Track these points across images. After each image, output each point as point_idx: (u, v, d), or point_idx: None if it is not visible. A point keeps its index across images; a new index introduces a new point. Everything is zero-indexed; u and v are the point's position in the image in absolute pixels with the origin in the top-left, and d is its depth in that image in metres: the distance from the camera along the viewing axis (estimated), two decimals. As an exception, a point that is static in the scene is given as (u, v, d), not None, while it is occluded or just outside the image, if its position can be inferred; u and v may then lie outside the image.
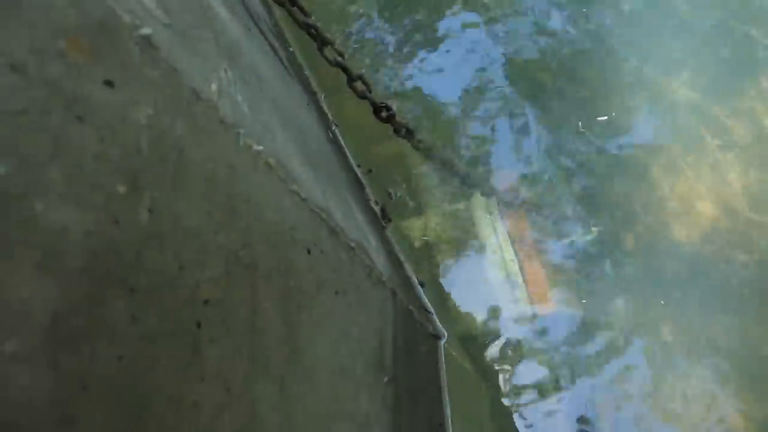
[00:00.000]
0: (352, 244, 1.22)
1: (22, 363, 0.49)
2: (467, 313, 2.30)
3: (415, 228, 2.50)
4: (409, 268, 1.90)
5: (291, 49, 2.33)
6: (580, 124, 2.59)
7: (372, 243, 1.53)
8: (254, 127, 1.01)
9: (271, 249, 0.92)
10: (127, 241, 0.63)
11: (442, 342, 1.75)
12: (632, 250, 2.36)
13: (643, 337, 2.25)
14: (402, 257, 1.93)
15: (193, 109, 0.82)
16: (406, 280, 1.80)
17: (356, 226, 1.45)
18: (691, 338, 2.21)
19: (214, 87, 0.92)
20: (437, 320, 1.80)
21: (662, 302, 2.25)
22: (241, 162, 0.89)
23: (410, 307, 1.55)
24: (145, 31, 0.75)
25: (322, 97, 2.42)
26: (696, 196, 2.41)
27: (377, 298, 1.32)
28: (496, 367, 2.19)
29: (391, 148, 2.61)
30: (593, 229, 2.40)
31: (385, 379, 1.26)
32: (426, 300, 1.83)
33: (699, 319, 2.22)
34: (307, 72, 2.43)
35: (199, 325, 0.72)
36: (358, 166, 2.17)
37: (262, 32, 1.84)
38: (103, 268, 0.59)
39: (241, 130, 0.92)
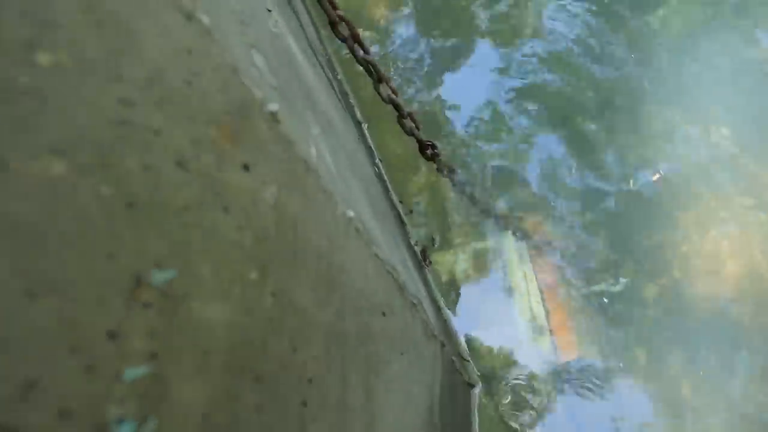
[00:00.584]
0: (414, 301, 1.23)
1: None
2: (491, 356, 2.31)
3: (445, 263, 2.51)
4: (447, 312, 1.91)
5: (339, 77, 2.34)
6: (614, 169, 2.61)
7: (422, 292, 1.54)
8: (344, 188, 1.02)
9: (356, 317, 0.93)
10: (256, 329, 0.64)
11: (476, 390, 1.76)
12: (657, 303, 2.38)
13: (661, 391, 2.26)
14: (440, 301, 1.93)
15: (304, 181, 0.83)
16: (446, 327, 1.80)
17: (411, 276, 1.46)
18: (709, 397, 2.23)
19: (313, 151, 0.94)
20: (473, 368, 1.81)
21: (683, 358, 2.27)
22: (338, 232, 0.90)
23: (453, 358, 1.56)
24: (273, 107, 0.76)
25: (365, 127, 2.43)
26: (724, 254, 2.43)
27: (430, 353, 1.33)
28: (517, 413, 2.20)
29: (424, 180, 2.63)
30: (621, 279, 2.42)
31: (436, 436, 1.26)
32: (464, 346, 1.83)
33: (718, 379, 2.24)
34: (352, 100, 2.44)
35: (304, 404, 0.73)
36: (400, 202, 2.18)
37: (321, 66, 1.85)
38: (239, 361, 0.60)
39: (338, 198, 0.93)
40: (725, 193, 2.51)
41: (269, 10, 1.29)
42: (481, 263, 2.50)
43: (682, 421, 2.20)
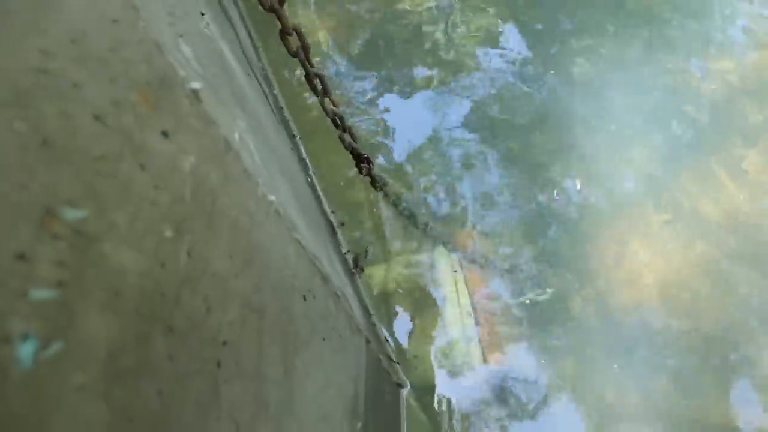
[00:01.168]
0: (338, 292, 1.28)
1: (86, 393, 0.52)
2: (423, 365, 2.36)
3: (377, 276, 2.57)
4: (375, 317, 1.96)
5: (275, 92, 2.41)
6: (543, 188, 2.78)
7: (349, 291, 1.58)
8: (267, 177, 1.07)
9: (275, 294, 0.97)
10: (169, 282, 0.67)
11: (404, 391, 1.80)
12: (582, 313, 2.52)
13: (587, 398, 2.37)
14: (369, 306, 1.99)
15: (224, 159, 0.87)
16: (373, 327, 1.85)
17: (337, 274, 1.51)
18: (633, 402, 2.36)
19: (237, 136, 0.99)
20: (400, 370, 1.86)
21: (611, 366, 2.40)
22: (258, 211, 0.95)
23: (380, 356, 1.61)
24: (195, 85, 0.81)
25: (299, 140, 2.50)
26: (642, 265, 2.62)
27: (354, 346, 1.38)
28: (449, 422, 2.25)
29: (358, 194, 2.71)
30: (548, 290, 2.55)
31: (359, 425, 1.30)
32: (391, 349, 1.88)
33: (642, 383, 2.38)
34: (287, 115, 2.51)
35: (219, 364, 0.76)
36: (333, 212, 2.24)
37: (256, 77, 1.92)
38: (150, 308, 0.63)
39: (260, 180, 0.98)
40: (643, 209, 2.72)
41: (202, 14, 1.35)
42: (414, 275, 2.59)
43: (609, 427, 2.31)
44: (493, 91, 3.01)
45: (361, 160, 2.01)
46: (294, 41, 1.59)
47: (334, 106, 1.75)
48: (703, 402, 2.27)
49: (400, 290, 2.53)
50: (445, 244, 2.63)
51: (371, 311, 1.97)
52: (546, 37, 3.15)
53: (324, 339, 1.15)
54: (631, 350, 2.40)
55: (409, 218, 2.65)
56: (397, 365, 1.85)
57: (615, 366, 2.38)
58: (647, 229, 2.64)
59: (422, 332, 2.46)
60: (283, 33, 1.52)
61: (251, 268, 0.89)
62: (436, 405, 2.21)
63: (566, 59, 3.07)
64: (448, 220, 2.70)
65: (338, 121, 1.76)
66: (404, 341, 2.39)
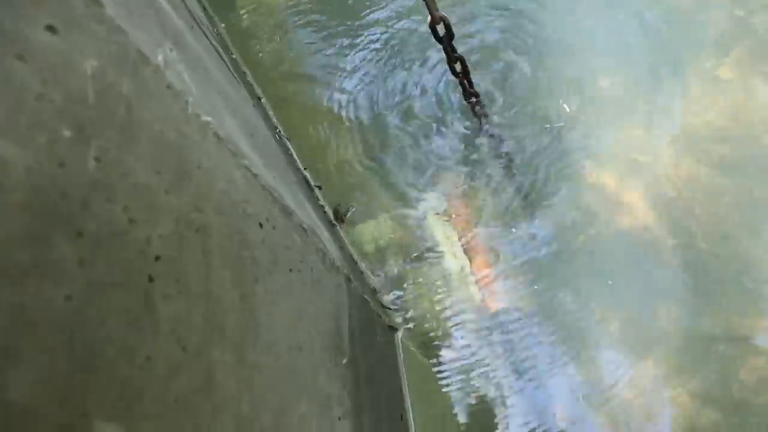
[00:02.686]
0: (304, 226, 1.22)
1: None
2: (422, 313, 2.32)
3: (367, 233, 2.50)
4: (363, 265, 1.91)
5: (234, 57, 2.33)
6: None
7: (324, 233, 1.52)
8: (202, 101, 1.01)
9: (223, 218, 0.91)
10: (73, 184, 0.61)
11: (399, 334, 1.75)
12: (574, 244, 2.45)
13: (590, 327, 2.32)
14: (355, 256, 1.93)
15: (141, 71, 0.80)
16: (360, 274, 1.79)
17: (307, 214, 1.44)
18: (634, 325, 2.30)
19: (160, 58, 0.91)
20: (393, 315, 1.81)
21: (605, 292, 2.33)
22: (190, 129, 0.88)
23: (365, 296, 1.55)
24: (90, -13, 0.74)
25: (268, 106, 2.42)
26: (628, 187, 2.54)
27: (332, 282, 1.32)
28: (452, 365, 2.21)
29: (337, 157, 2.64)
30: (537, 223, 2.48)
31: (344, 360, 1.24)
32: (382, 296, 1.83)
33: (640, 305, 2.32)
34: (251, 80, 2.43)
35: (151, 279, 0.70)
36: (305, 168, 2.18)
37: (205, 35, 1.84)
38: (47, 206, 0.57)
39: (189, 99, 0.91)
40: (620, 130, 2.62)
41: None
42: (402, 227, 2.52)
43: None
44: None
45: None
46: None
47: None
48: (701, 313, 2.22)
49: (391, 244, 2.47)
50: (431, 194, 2.56)
51: (358, 261, 1.92)
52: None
53: (291, 270, 1.09)
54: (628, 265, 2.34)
55: (391, 173, 2.59)
56: (389, 310, 1.79)
57: (611, 290, 2.32)
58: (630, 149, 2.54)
59: (417, 283, 2.41)
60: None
61: (186, 186, 0.83)
62: (434, 349, 2.16)
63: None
64: (430, 169, 2.62)
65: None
66: (401, 291, 2.34)
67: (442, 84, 2.77)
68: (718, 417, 2.15)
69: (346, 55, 2.91)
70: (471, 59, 2.56)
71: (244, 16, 3.09)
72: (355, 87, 2.82)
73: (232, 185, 0.97)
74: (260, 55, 2.95)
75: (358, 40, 2.95)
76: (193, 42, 1.48)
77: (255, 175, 1.06)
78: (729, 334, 2.24)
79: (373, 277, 1.95)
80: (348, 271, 1.49)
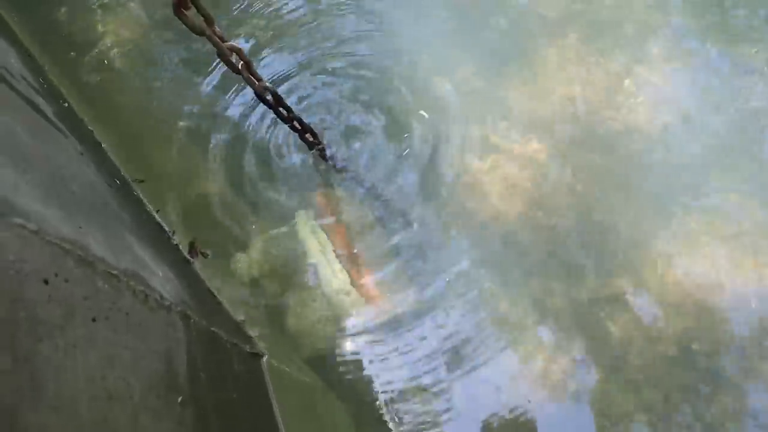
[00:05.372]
0: (115, 272, 1.21)
1: None
2: (308, 331, 2.33)
3: (241, 263, 2.49)
4: (223, 298, 1.90)
5: (66, 104, 2.24)
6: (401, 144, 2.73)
7: (158, 273, 1.51)
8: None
9: (-15, 282, 0.89)
10: None
11: (265, 359, 1.76)
12: (449, 232, 2.52)
13: (474, 307, 2.39)
14: (215, 289, 1.92)
15: None
16: (216, 306, 1.79)
17: (133, 258, 1.43)
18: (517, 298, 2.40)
19: None
20: (257, 341, 1.81)
21: (484, 272, 2.42)
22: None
23: (214, 329, 1.55)
24: None
25: (113, 150, 2.34)
26: (491, 175, 2.68)
27: (159, 323, 1.31)
28: (344, 378, 2.24)
29: (201, 189, 2.61)
30: (414, 223, 2.54)
31: (179, 399, 1.24)
32: (244, 323, 1.83)
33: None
34: (91, 127, 2.34)
35: None
36: (157, 211, 2.14)
37: (13, 88, 1.76)
38: None
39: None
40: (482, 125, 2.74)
41: None
42: (277, 249, 2.53)
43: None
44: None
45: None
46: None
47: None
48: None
49: (268, 270, 2.48)
50: (300, 206, 2.59)
51: (217, 294, 1.91)
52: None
53: (95, 320, 1.08)
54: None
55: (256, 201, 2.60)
56: (252, 338, 1.80)
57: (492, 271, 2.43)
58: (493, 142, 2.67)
59: (299, 302, 2.43)
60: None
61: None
62: (302, 368, 2.19)
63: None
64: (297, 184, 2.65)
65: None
66: (284, 313, 2.35)
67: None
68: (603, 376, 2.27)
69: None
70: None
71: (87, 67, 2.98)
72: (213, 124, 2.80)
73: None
74: (114, 98, 2.86)
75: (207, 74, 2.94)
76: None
77: (34, 232, 1.03)
78: (603, 296, 2.40)
79: (231, 308, 1.94)
80: (187, 307, 1.49)
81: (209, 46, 1.56)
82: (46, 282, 1.00)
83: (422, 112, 2.74)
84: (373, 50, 2.95)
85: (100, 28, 3.08)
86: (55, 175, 1.43)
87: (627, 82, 2.74)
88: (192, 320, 1.45)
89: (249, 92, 2.73)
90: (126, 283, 1.23)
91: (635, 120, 2.63)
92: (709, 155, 2.53)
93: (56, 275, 1.03)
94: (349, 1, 3.12)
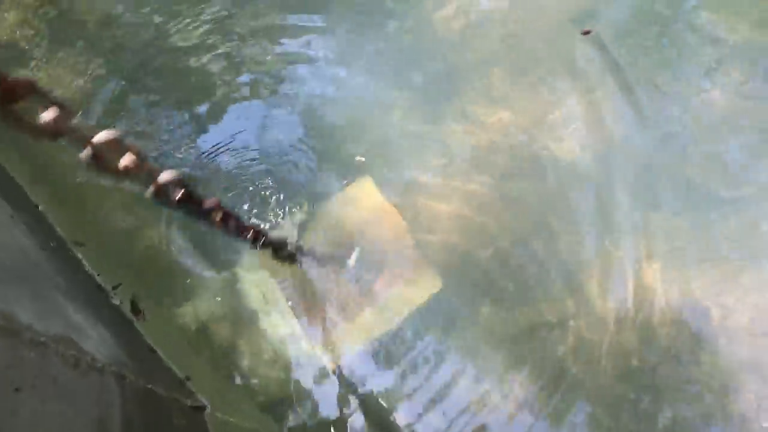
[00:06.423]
0: (42, 339, 1.22)
1: None
2: (256, 379, 2.32)
3: (187, 315, 2.47)
4: (167, 351, 1.90)
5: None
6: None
7: (93, 335, 1.51)
8: None
9: None
10: None
11: (207, 411, 1.75)
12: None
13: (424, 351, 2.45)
14: (158, 345, 1.92)
15: None
16: (153, 364, 1.78)
17: (65, 322, 1.43)
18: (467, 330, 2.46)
19: None
20: (199, 394, 1.81)
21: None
22: None
23: (151, 387, 1.55)
24: None
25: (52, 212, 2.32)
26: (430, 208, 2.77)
27: (90, 386, 1.31)
28: (298, 424, 2.24)
29: (145, 244, 2.60)
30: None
31: (112, 462, 1.24)
32: (188, 377, 1.82)
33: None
34: (26, 188, 2.32)
35: None
36: (98, 275, 2.13)
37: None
38: None
39: None
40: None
41: None
42: (222, 300, 2.53)
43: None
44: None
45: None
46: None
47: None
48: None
49: (214, 320, 2.46)
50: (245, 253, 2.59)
51: (158, 349, 1.90)
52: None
53: (18, 389, 1.08)
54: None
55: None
56: (194, 393, 1.80)
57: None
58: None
59: (247, 350, 2.42)
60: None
61: None
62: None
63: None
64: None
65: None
66: (230, 364, 2.33)
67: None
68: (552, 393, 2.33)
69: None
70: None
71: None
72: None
73: None
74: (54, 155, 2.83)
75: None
76: None
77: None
78: (545, 321, 2.49)
79: (176, 361, 1.94)
80: (124, 367, 1.49)
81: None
82: (-36, 356, 1.01)
83: (359, 157, 2.82)
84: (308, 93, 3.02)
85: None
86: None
87: (556, 113, 2.92)
88: (127, 380, 1.45)
89: (197, 147, 2.79)
90: (54, 348, 1.24)
91: (565, 149, 2.78)
92: (636, 178, 2.68)
93: (-24, 348, 1.04)
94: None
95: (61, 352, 1.27)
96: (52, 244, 1.99)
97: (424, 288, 2.56)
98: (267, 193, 2.75)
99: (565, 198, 2.69)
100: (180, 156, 2.85)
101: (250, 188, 2.75)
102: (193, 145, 2.88)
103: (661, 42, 3.01)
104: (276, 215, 2.71)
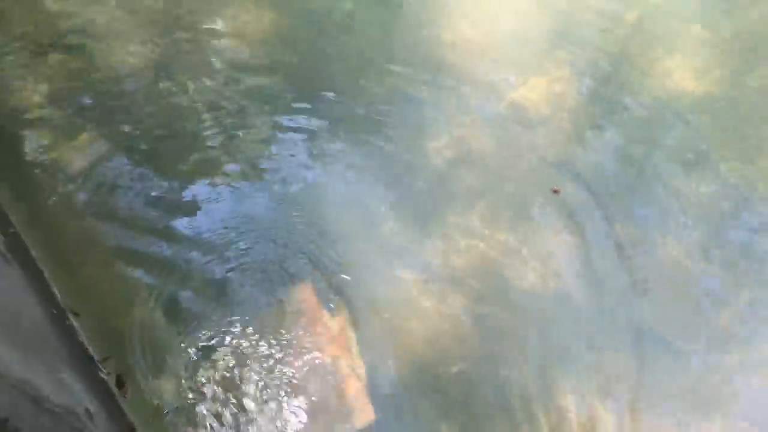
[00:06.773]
0: (57, 410, 1.36)
1: None
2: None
3: (168, 390, 2.52)
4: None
5: (12, 231, 2.36)
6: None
7: (91, 408, 1.64)
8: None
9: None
10: None
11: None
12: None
13: None
14: (135, 421, 2.02)
15: None
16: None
17: (70, 393, 1.57)
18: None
19: None
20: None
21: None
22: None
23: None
24: None
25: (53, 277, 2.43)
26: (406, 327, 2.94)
27: (89, 459, 1.44)
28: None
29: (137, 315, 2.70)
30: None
31: None
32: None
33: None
34: (34, 252, 2.46)
35: None
36: (89, 343, 2.25)
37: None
38: None
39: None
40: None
41: None
42: (206, 374, 2.60)
43: None
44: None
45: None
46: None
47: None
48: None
49: (196, 396, 2.52)
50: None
51: (138, 427, 2.01)
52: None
53: (36, 456, 1.22)
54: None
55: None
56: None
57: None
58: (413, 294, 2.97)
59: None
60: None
61: None
62: None
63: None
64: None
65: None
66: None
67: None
68: None
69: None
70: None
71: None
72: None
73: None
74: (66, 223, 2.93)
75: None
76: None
77: (2, 376, 1.21)
78: None
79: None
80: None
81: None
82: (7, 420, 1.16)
83: (344, 275, 3.01)
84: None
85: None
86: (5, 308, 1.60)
87: (530, 248, 3.20)
88: (115, 456, 1.57)
89: (201, 221, 2.96)
90: (66, 419, 1.38)
91: (534, 283, 3.05)
92: (599, 313, 2.96)
93: (13, 415, 1.19)
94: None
95: (69, 422, 1.41)
96: (54, 310, 2.13)
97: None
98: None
99: (524, 330, 2.91)
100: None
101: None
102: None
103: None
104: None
